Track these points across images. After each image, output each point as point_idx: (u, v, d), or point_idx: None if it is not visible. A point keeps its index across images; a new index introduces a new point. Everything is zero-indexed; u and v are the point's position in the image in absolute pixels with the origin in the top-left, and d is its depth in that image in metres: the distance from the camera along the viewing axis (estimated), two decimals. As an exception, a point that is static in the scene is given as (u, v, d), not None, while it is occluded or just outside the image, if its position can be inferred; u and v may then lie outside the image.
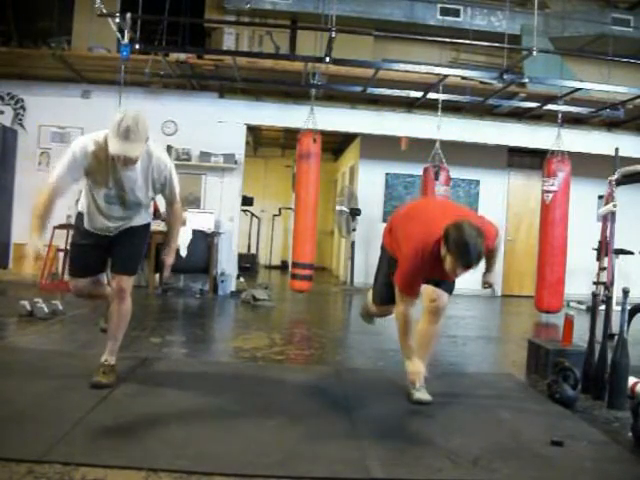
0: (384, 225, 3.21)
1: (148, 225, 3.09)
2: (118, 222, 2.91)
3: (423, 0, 7.87)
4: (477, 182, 8.42)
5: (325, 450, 2.27)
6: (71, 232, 3.37)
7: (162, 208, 5.93)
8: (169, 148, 7.08)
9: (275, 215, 12.16)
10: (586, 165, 7.28)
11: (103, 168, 2.71)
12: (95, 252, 2.96)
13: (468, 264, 2.56)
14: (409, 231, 2.85)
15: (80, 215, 2.98)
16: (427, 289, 3.01)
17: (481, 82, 6.73)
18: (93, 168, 2.71)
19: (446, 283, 3.01)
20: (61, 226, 6.04)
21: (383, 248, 3.18)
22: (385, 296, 3.13)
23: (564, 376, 3.10)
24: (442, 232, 2.61)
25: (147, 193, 2.86)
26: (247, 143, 7.91)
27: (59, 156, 2.74)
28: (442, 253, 2.62)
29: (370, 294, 3.42)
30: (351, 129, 7.86)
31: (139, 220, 2.99)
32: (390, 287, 2.99)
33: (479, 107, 7.33)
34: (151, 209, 3.16)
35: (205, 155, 7.18)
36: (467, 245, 2.52)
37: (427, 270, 2.77)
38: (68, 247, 2.97)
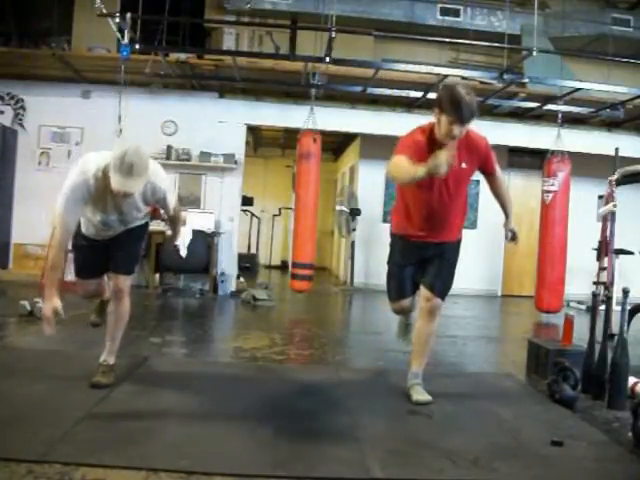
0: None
1: (146, 225, 3.12)
2: (115, 232, 2.96)
3: (423, 0, 7.86)
4: (477, 182, 8.40)
5: (325, 450, 2.27)
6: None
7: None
8: (169, 148, 7.08)
9: (275, 215, 12.16)
10: (586, 165, 7.27)
11: (102, 197, 2.71)
12: (98, 252, 2.98)
13: (461, 116, 2.64)
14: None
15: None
16: (423, 291, 3.03)
17: (481, 82, 6.73)
18: (92, 198, 2.72)
19: (441, 280, 3.01)
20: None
21: (392, 235, 3.18)
22: (400, 287, 3.14)
23: (564, 376, 3.10)
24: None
25: (144, 209, 2.92)
26: (247, 143, 7.90)
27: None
28: (435, 120, 2.74)
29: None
30: (351, 129, 7.85)
31: (136, 222, 3.02)
32: (403, 275, 3.07)
33: (479, 107, 7.33)
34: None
35: (205, 155, 7.18)
36: (459, 97, 2.61)
37: (422, 155, 2.71)
38: (71, 249, 3.00)
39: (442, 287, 3.03)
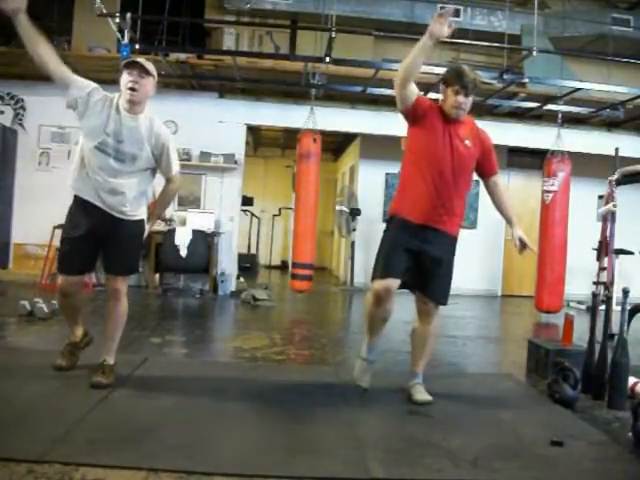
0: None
1: (142, 222, 3.06)
2: (110, 186, 2.85)
3: (423, 0, 7.86)
4: (477, 182, 8.39)
5: (325, 450, 2.27)
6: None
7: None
8: (169, 148, 7.07)
9: (275, 215, 12.15)
10: (586, 165, 7.27)
11: (104, 113, 2.85)
12: (86, 246, 2.93)
13: (464, 82, 2.84)
14: None
15: (72, 205, 3.00)
16: (421, 295, 3.00)
17: (481, 82, 6.72)
18: (95, 110, 2.85)
19: (440, 286, 2.96)
20: (61, 226, 6.04)
21: (392, 218, 3.02)
22: (391, 262, 2.86)
23: (564, 376, 3.10)
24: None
25: (143, 151, 2.88)
26: (247, 143, 7.90)
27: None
28: (442, 98, 2.94)
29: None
30: (351, 129, 7.86)
31: (133, 210, 2.95)
32: (397, 251, 2.86)
33: (479, 107, 7.33)
34: (150, 193, 3.17)
35: (205, 155, 7.18)
36: (462, 69, 2.93)
37: (433, 118, 2.92)
38: (60, 243, 2.98)
39: (441, 293, 2.98)
